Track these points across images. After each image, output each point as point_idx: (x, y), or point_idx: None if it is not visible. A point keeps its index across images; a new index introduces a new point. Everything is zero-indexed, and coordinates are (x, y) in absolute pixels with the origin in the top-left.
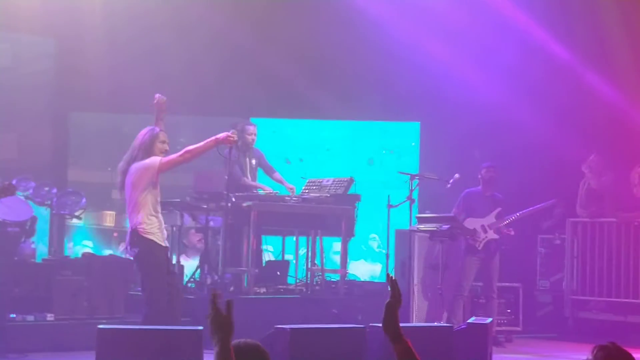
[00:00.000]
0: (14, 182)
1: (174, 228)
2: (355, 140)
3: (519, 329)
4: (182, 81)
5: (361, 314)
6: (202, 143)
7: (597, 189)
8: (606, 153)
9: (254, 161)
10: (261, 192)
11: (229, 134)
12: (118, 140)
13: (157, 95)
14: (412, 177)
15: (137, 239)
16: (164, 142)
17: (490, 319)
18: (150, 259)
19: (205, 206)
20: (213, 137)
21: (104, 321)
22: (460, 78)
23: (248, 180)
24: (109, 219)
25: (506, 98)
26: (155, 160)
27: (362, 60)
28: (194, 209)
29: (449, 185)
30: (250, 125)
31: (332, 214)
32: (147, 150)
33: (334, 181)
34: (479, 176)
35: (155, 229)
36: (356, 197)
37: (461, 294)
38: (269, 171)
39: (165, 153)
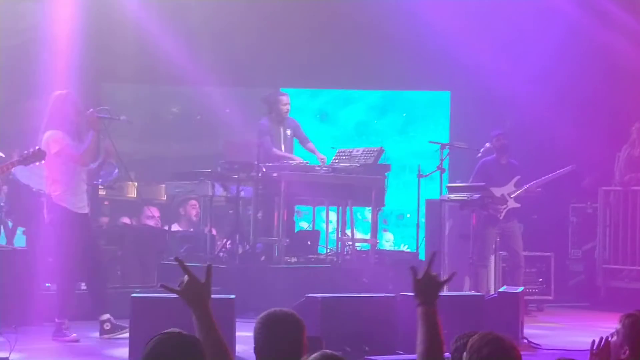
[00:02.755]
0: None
1: (204, 198)
2: (386, 109)
3: (550, 298)
4: (214, 52)
5: (392, 283)
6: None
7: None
8: None
9: (288, 131)
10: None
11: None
12: (150, 111)
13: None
14: (443, 146)
15: (51, 205)
16: (74, 103)
17: (521, 288)
18: (64, 225)
19: (235, 176)
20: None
21: (137, 290)
22: (491, 47)
23: (278, 150)
24: (131, 190)
25: (538, 67)
26: (53, 144)
27: (393, 29)
28: (225, 179)
29: (479, 155)
30: (283, 95)
31: (362, 183)
32: (58, 116)
33: (364, 151)
34: (491, 146)
35: (69, 196)
36: (386, 167)
37: (484, 264)
38: (304, 141)
39: (79, 114)
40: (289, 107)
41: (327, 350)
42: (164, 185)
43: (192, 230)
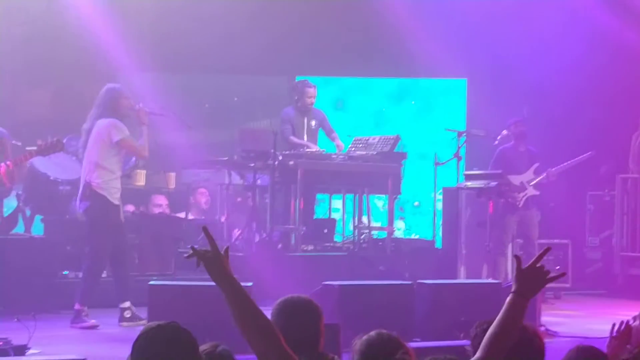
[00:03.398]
0: (64, 140)
1: (220, 186)
2: (402, 97)
3: (567, 285)
4: (228, 40)
5: (408, 271)
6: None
7: None
8: None
9: (313, 122)
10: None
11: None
12: (165, 99)
13: (137, 106)
14: (460, 134)
15: (90, 193)
16: (127, 97)
17: None
18: (100, 214)
19: (252, 164)
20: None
21: (154, 278)
22: (508, 34)
23: (295, 138)
24: (140, 178)
25: (555, 54)
26: (115, 132)
27: (409, 16)
28: (242, 168)
29: (496, 142)
30: (309, 87)
31: (378, 171)
32: (112, 107)
33: (380, 139)
34: (510, 132)
35: (110, 186)
36: (402, 155)
37: (502, 251)
38: (329, 132)
39: (131, 108)
40: (314, 100)
41: (383, 330)
42: (173, 174)
43: (203, 217)
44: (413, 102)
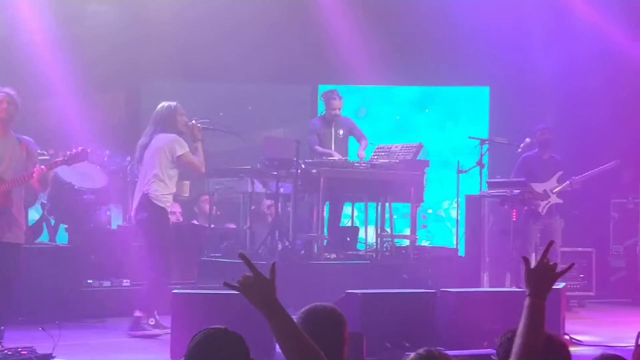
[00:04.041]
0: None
1: (244, 195)
2: (425, 105)
3: (592, 294)
4: (250, 48)
5: (431, 279)
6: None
7: None
8: None
9: (341, 131)
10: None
11: None
12: (191, 108)
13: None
14: (482, 141)
15: (148, 204)
16: (182, 114)
17: (563, 284)
18: (160, 224)
19: (275, 173)
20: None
21: (178, 286)
22: (530, 42)
23: (320, 148)
24: (185, 189)
25: (579, 61)
26: (178, 147)
27: (431, 25)
28: (264, 176)
29: (519, 150)
30: (333, 99)
31: (401, 180)
32: (169, 123)
33: (402, 147)
34: (534, 140)
35: (167, 198)
36: (425, 163)
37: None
38: (359, 139)
39: (185, 125)
40: (339, 111)
41: (434, 349)
42: (188, 182)
43: (212, 225)
44: (427, 111)
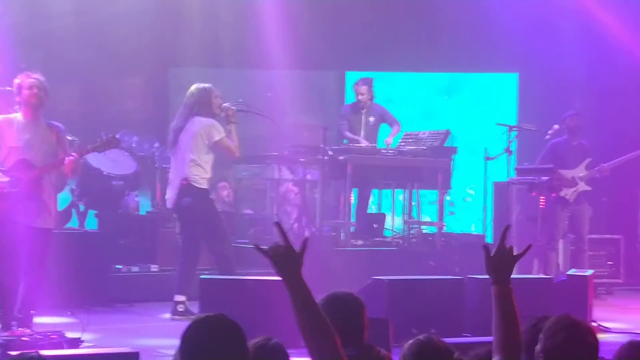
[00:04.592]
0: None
1: (270, 181)
2: (453, 92)
3: (620, 281)
4: (279, 35)
5: (458, 267)
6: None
7: None
8: None
9: (371, 118)
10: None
11: None
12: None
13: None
14: (510, 128)
15: (190, 189)
16: (217, 96)
17: (590, 271)
18: (205, 207)
19: (302, 159)
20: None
21: (205, 272)
22: (559, 28)
23: (350, 134)
24: None
25: (608, 48)
26: (215, 132)
27: (460, 10)
28: (291, 162)
29: (548, 137)
30: (357, 85)
31: (428, 166)
32: (204, 105)
33: (430, 134)
34: (563, 126)
35: (207, 181)
36: (452, 150)
37: (553, 246)
38: (391, 124)
39: (219, 107)
40: (366, 97)
41: (433, 336)
42: None
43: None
44: (447, 98)
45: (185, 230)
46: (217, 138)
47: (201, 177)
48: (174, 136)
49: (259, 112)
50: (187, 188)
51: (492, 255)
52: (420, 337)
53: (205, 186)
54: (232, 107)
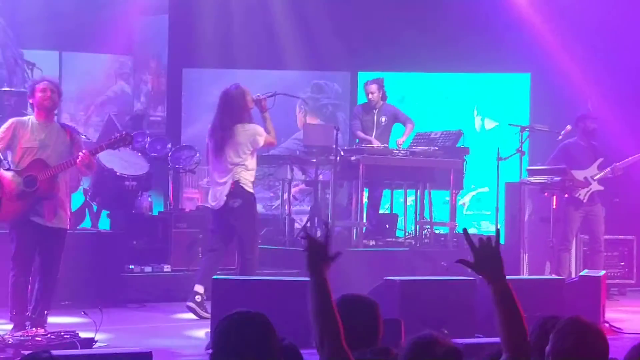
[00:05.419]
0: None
1: (283, 182)
2: (465, 92)
3: (632, 282)
4: (291, 36)
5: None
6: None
7: None
8: None
9: (383, 118)
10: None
11: None
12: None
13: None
14: (523, 129)
15: (241, 191)
16: (248, 93)
17: (603, 272)
18: (254, 209)
19: (314, 160)
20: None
21: (218, 272)
22: (571, 29)
23: (362, 134)
24: None
25: (621, 49)
26: (259, 138)
27: (472, 11)
28: (304, 163)
29: (560, 137)
30: (369, 85)
31: (440, 166)
32: (242, 108)
33: (442, 134)
34: (580, 127)
35: (252, 183)
36: (465, 150)
37: (566, 247)
38: (404, 123)
39: (252, 101)
40: (376, 96)
41: (435, 333)
42: None
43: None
44: (458, 98)
45: (226, 229)
46: (261, 143)
47: (250, 180)
48: (219, 142)
49: (287, 93)
50: (238, 190)
51: (474, 261)
52: (425, 332)
53: (252, 190)
54: (264, 97)
